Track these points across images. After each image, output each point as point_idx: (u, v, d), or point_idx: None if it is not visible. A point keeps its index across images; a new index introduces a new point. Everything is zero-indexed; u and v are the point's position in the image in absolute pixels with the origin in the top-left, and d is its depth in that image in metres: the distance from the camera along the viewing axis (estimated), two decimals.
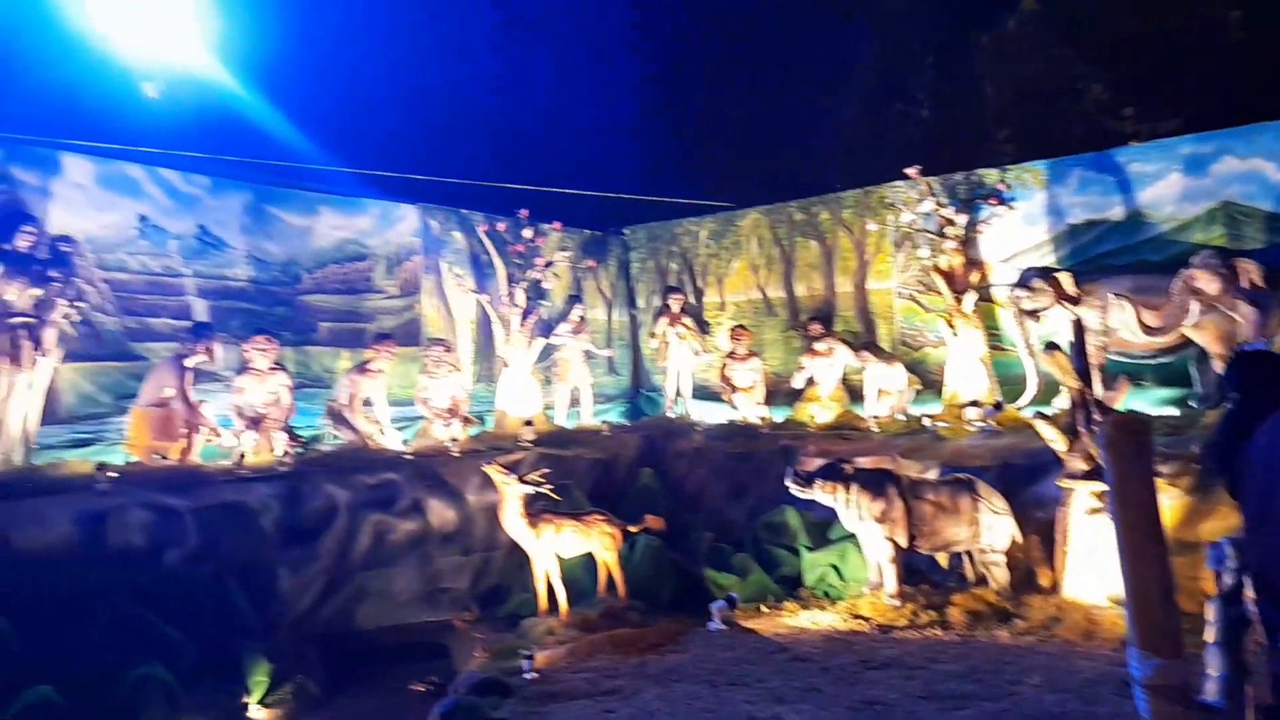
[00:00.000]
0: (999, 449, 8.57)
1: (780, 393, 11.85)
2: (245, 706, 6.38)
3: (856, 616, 7.53)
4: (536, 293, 11.65)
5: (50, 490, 7.10)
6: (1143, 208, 9.87)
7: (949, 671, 6.12)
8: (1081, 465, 7.12)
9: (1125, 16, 12.00)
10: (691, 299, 13.36)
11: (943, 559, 8.03)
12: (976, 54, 13.69)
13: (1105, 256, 10.04)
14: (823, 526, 8.74)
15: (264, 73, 11.64)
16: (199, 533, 7.19)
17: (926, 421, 9.71)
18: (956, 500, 7.64)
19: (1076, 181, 10.32)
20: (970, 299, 10.35)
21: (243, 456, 8.43)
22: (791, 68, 15.06)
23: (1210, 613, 4.48)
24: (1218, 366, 8.63)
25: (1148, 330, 8.99)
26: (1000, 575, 7.55)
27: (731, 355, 11.83)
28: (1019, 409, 9.48)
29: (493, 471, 7.80)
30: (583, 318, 12.33)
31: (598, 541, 7.90)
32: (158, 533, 7.02)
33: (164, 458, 8.21)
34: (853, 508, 7.69)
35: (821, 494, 7.79)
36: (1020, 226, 10.63)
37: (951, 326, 10.38)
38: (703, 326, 13.07)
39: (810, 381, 11.40)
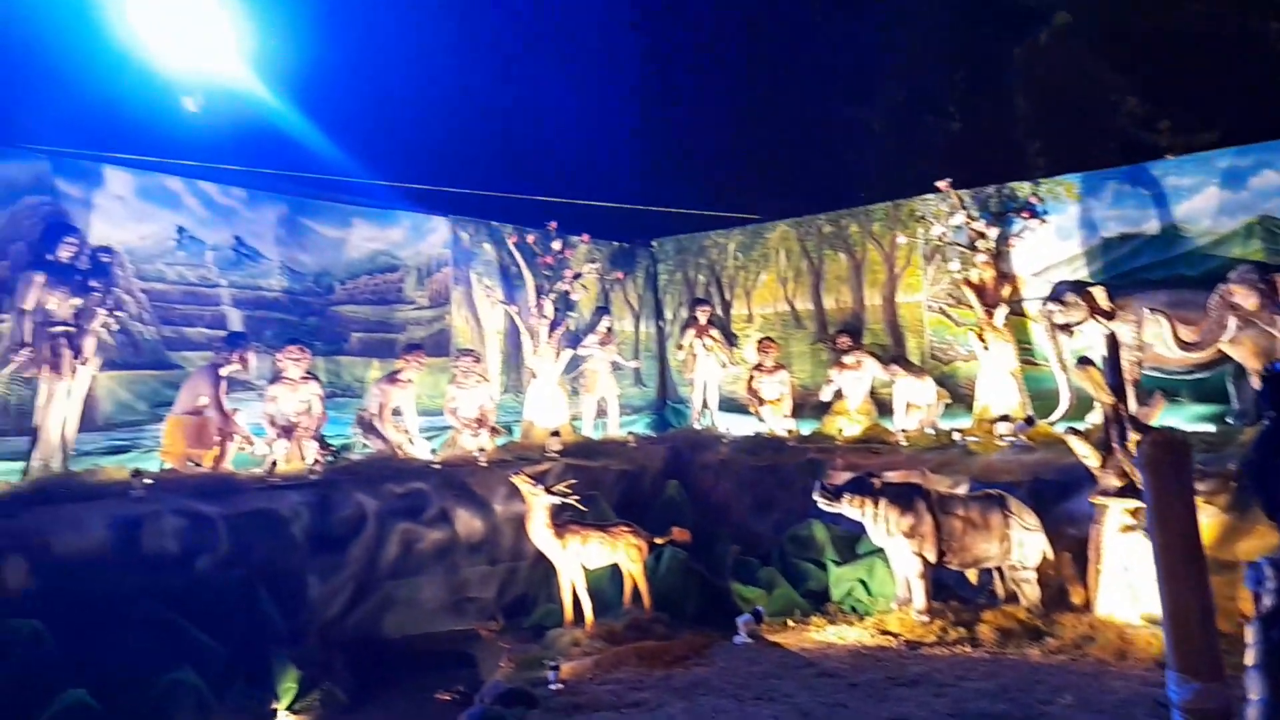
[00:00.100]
0: (1030, 464, 8.46)
1: (808, 406, 11.81)
2: (274, 712, 6.44)
3: (884, 632, 7.47)
4: (565, 304, 11.71)
5: (87, 496, 7.22)
6: (1179, 221, 9.74)
7: (979, 689, 6.04)
8: (1115, 482, 7.01)
9: (1160, 28, 11.87)
10: (719, 311, 13.36)
11: (972, 575, 7.93)
12: (1009, 66, 13.61)
13: (1140, 271, 9.91)
14: (850, 541, 8.67)
15: (299, 87, 11.87)
16: (231, 539, 7.28)
17: (956, 436, 9.62)
18: (987, 516, 7.56)
19: (1111, 195, 10.21)
20: (1001, 313, 10.25)
21: (274, 464, 8.53)
22: (821, 79, 15.05)
23: (1250, 635, 4.37)
24: (1255, 383, 8.47)
25: (1183, 345, 8.85)
26: (1031, 592, 7.44)
27: (759, 368, 11.80)
28: (1051, 424, 9.36)
29: (520, 482, 7.83)
30: (610, 329, 12.36)
31: (624, 553, 7.90)
32: (190, 539, 7.12)
33: (198, 465, 8.32)
34: (881, 522, 7.62)
35: (849, 508, 7.73)
36: (1053, 240, 10.52)
37: (982, 340, 10.29)
38: (730, 339, 13.05)
39: (838, 395, 11.34)
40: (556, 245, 11.60)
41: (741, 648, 7.42)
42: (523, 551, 8.66)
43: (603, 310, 12.73)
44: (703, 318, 12.41)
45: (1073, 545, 7.52)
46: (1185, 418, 9.10)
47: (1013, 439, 9.13)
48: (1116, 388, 7.05)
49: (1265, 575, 4.34)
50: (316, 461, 8.83)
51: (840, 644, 7.39)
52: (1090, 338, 9.30)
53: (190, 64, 10.34)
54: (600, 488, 9.62)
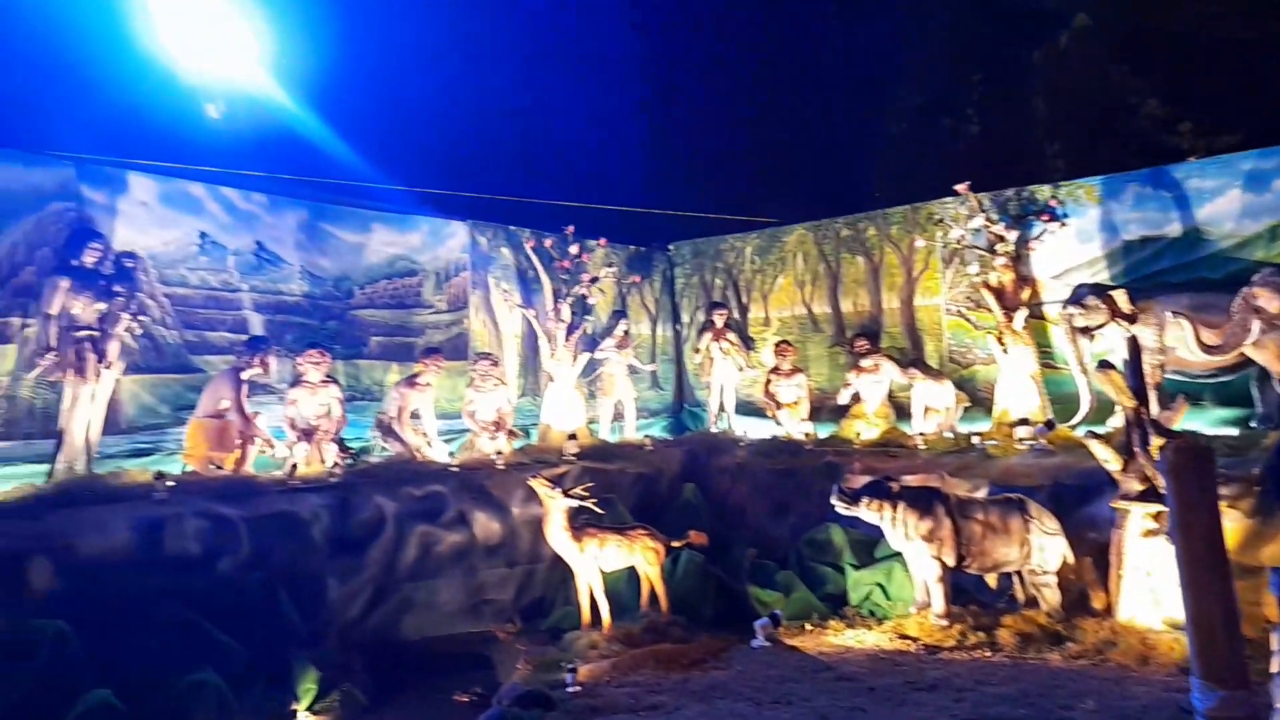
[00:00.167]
0: (1050, 468, 8.41)
1: (825, 409, 11.78)
2: (294, 713, 6.47)
3: (903, 636, 7.44)
4: (582, 308, 11.74)
5: (111, 498, 7.31)
6: (1201, 224, 9.65)
7: (998, 694, 6.00)
8: (1137, 486, 6.95)
9: (1181, 30, 11.78)
10: (736, 314, 13.35)
11: (992, 579, 7.88)
12: (1028, 69, 13.54)
13: (1162, 274, 9.83)
14: (868, 544, 8.64)
15: (320, 94, 12.00)
16: (251, 541, 7.34)
17: (975, 440, 9.57)
18: (1006, 520, 7.51)
19: (1132, 197, 10.13)
20: (1021, 316, 10.19)
21: (295, 467, 8.59)
22: (839, 83, 15.04)
23: (1275, 642, 4.34)
24: (1278, 386, 8.39)
25: (1206, 349, 8.76)
26: (1052, 597, 7.39)
27: (776, 371, 11.79)
28: (1072, 428, 9.29)
29: (537, 485, 7.86)
30: (627, 333, 12.39)
31: (641, 556, 7.91)
32: (212, 541, 7.18)
33: (219, 468, 8.40)
34: (899, 526, 7.59)
35: (867, 512, 7.71)
36: (1073, 243, 10.45)
37: (1002, 344, 10.23)
38: (747, 342, 13.04)
39: (856, 398, 11.31)
40: (574, 249, 11.63)
41: (759, 651, 7.41)
42: (540, 554, 8.69)
43: (620, 314, 12.77)
44: (719, 321, 12.42)
45: (1094, 550, 7.46)
46: (1208, 421, 9.00)
47: (1032, 443, 9.07)
48: (1138, 391, 7.00)
49: None
50: (336, 464, 8.90)
51: (858, 648, 7.36)
52: (1111, 341, 9.23)
53: (212, 71, 10.47)
54: (617, 491, 9.64)
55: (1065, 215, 10.41)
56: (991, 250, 10.49)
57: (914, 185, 12.25)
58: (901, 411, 11.05)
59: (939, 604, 7.48)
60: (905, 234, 11.93)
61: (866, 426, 10.98)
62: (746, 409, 12.52)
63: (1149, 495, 6.82)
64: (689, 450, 11.24)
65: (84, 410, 7.91)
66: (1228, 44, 11.39)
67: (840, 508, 7.80)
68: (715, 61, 16.34)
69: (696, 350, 12.69)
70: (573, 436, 10.62)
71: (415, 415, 10.02)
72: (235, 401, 8.64)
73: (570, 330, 11.40)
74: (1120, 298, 9.17)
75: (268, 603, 7.09)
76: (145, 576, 6.66)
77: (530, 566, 8.88)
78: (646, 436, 11.69)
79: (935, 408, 10.59)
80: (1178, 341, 8.92)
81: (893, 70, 14.68)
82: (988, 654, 6.94)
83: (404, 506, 8.41)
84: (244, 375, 8.78)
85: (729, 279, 13.79)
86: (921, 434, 10.16)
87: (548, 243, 11.74)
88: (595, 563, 7.81)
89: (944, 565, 7.48)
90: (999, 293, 10.35)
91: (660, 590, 7.97)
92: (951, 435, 10.11)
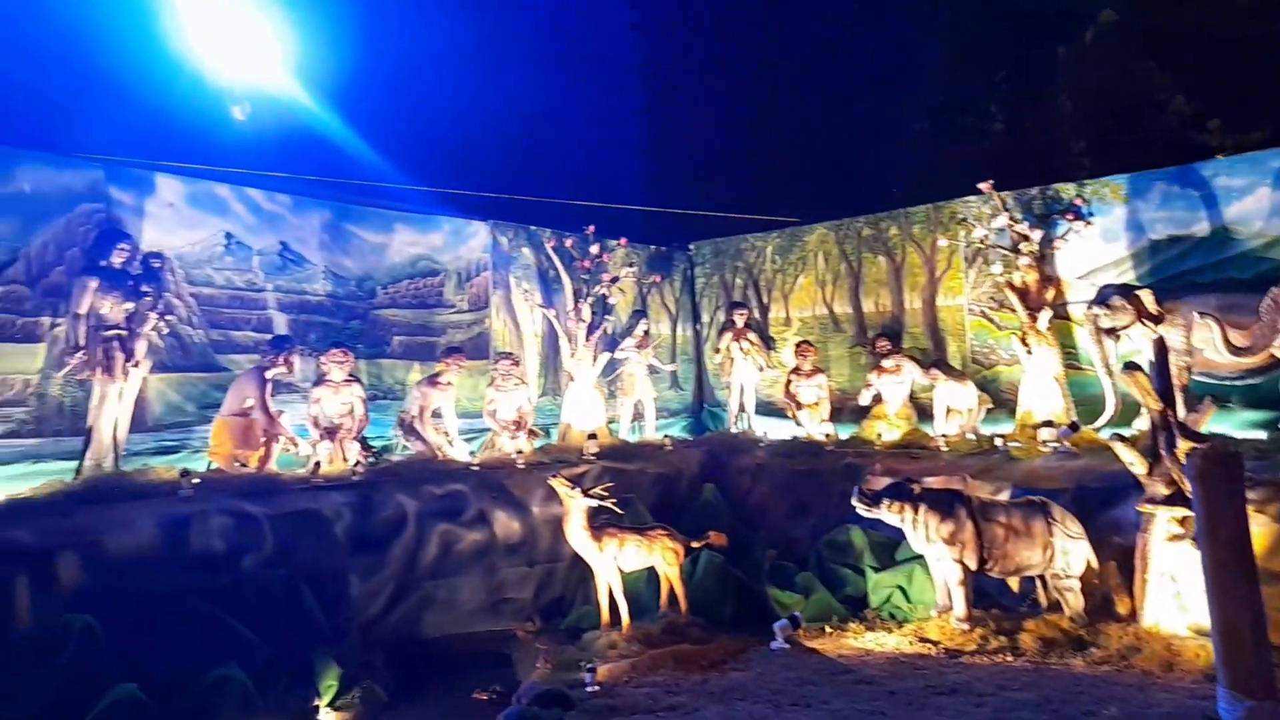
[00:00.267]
0: (1074, 471, 8.32)
1: (846, 410, 11.73)
2: (316, 709, 6.54)
3: (923, 640, 7.39)
4: (602, 308, 11.77)
5: (137, 495, 7.43)
6: (1229, 223, 9.51)
7: (1020, 699, 5.95)
8: (1163, 490, 6.86)
9: (1208, 25, 11.60)
10: (756, 314, 13.32)
11: (1014, 583, 7.82)
12: (1053, 66, 13.39)
13: (1189, 274, 9.69)
14: (889, 547, 8.59)
15: (343, 96, 12.11)
16: (275, 539, 7.43)
17: (998, 441, 9.49)
18: (1029, 523, 7.44)
19: (1159, 196, 10.00)
20: (1045, 316, 10.09)
21: (318, 465, 8.68)
22: (861, 80, 14.95)
23: None
24: None
25: (1234, 350, 8.64)
26: (1075, 601, 7.31)
27: (796, 371, 11.75)
28: (1096, 430, 9.18)
29: (557, 484, 7.89)
30: (647, 332, 12.40)
31: (660, 556, 7.91)
32: (236, 538, 7.28)
33: (244, 465, 8.50)
34: (920, 528, 7.54)
35: (888, 514, 7.66)
36: (1098, 242, 10.33)
37: (1025, 344, 10.13)
38: (767, 342, 13.01)
39: (877, 399, 11.25)
40: (594, 249, 11.65)
41: (778, 653, 7.39)
42: (560, 553, 8.71)
43: (640, 314, 12.78)
44: (740, 321, 12.40)
45: (1118, 554, 7.38)
46: (1236, 424, 8.87)
47: (1056, 445, 8.98)
48: (1164, 393, 6.91)
49: None
50: (358, 463, 8.98)
51: (878, 651, 7.33)
52: (1137, 342, 9.12)
53: (238, 75, 10.58)
54: (637, 491, 9.64)
55: (1091, 214, 10.29)
56: (1015, 250, 10.39)
57: (937, 184, 12.15)
58: (923, 413, 10.98)
59: (960, 607, 7.42)
60: (928, 233, 11.84)
61: (888, 428, 10.92)
62: (767, 409, 12.49)
63: (1175, 499, 6.73)
64: (709, 450, 11.23)
65: (112, 408, 8.04)
66: (1257, 39, 11.19)
67: (861, 509, 7.76)
68: (737, 61, 16.30)
69: (717, 350, 12.68)
70: (593, 436, 10.64)
71: (437, 414, 10.09)
72: (260, 400, 8.73)
73: (591, 330, 11.43)
74: (1147, 298, 9.06)
75: (291, 599, 7.17)
76: (171, 573, 6.76)
77: (550, 566, 8.91)
78: (666, 436, 11.69)
79: (957, 409, 10.52)
80: (1205, 343, 8.81)
81: (916, 68, 14.57)
82: (1009, 658, 6.88)
83: (425, 505, 8.47)
84: (268, 374, 8.88)
85: (749, 278, 13.75)
86: (943, 435, 10.09)
87: (568, 242, 11.77)
88: (614, 562, 7.83)
89: (965, 568, 7.42)
90: (1023, 293, 10.26)
91: (679, 591, 7.97)
92: (974, 437, 10.03)
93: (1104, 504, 7.76)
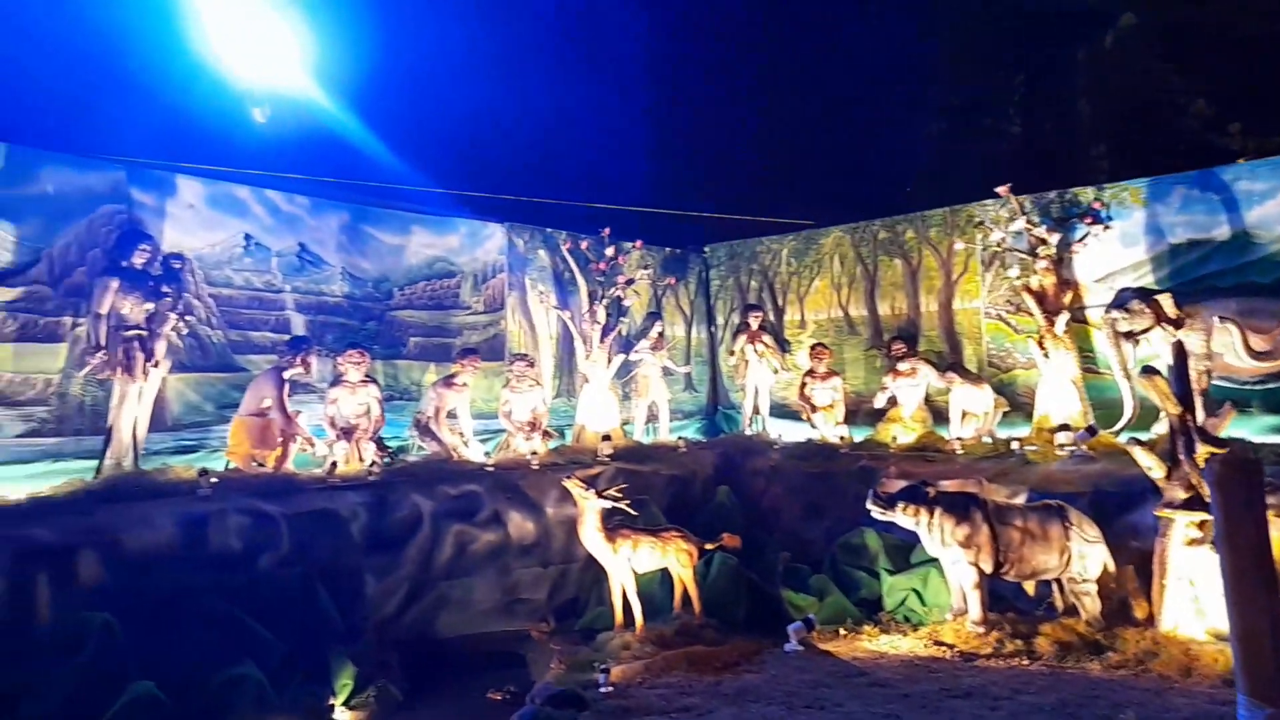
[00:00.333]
0: (1091, 475, 8.27)
1: (861, 412, 11.70)
2: (331, 708, 6.58)
3: (938, 643, 7.36)
4: (617, 309, 11.79)
5: (156, 494, 7.50)
6: (1250, 227, 9.44)
7: (1035, 703, 5.92)
8: (1181, 494, 6.81)
9: (1229, 28, 11.50)
10: (771, 317, 13.30)
11: (1030, 587, 7.77)
12: (1072, 69, 13.32)
13: (1209, 278, 9.62)
14: (904, 550, 8.55)
15: (362, 99, 12.19)
16: (292, 538, 7.47)
17: (1015, 445, 9.44)
18: (1046, 527, 7.40)
19: (1179, 200, 9.93)
20: (1063, 320, 10.03)
21: (334, 465, 8.73)
22: (878, 83, 14.91)
23: None
24: None
25: (1254, 354, 8.56)
26: (1091, 606, 7.26)
27: (811, 373, 11.73)
28: (1114, 434, 9.12)
29: (572, 486, 7.90)
30: (662, 334, 12.41)
31: (674, 558, 7.91)
32: (253, 537, 7.33)
33: (261, 465, 8.57)
34: (935, 532, 7.51)
35: (903, 517, 7.63)
36: (1117, 246, 10.27)
37: (1042, 348, 10.08)
38: (782, 344, 12.99)
39: (892, 402, 11.22)
40: (610, 251, 11.68)
41: (792, 655, 7.38)
42: (574, 554, 8.73)
43: (655, 315, 12.80)
44: (755, 323, 12.39)
45: (1136, 558, 7.33)
46: (1256, 429, 8.79)
47: (1073, 449, 8.92)
48: (1183, 397, 6.85)
49: None
50: (374, 463, 9.03)
51: (893, 654, 7.30)
52: (1156, 346, 9.06)
53: (258, 78, 10.68)
54: (651, 492, 9.65)
55: (1109, 218, 10.23)
56: (1033, 253, 10.33)
57: (954, 187, 12.11)
58: (939, 416, 10.94)
59: (975, 611, 7.39)
60: (944, 236, 11.80)
61: (903, 430, 10.89)
62: (781, 411, 12.47)
63: (1193, 504, 6.68)
64: (723, 452, 11.22)
65: (131, 407, 8.12)
66: (1277, 41, 11.09)
67: (876, 512, 7.73)
68: (753, 64, 16.29)
69: (731, 352, 12.69)
70: (607, 438, 10.66)
71: (452, 415, 10.13)
72: (277, 400, 8.80)
73: (605, 332, 11.45)
74: (1166, 302, 8.99)
75: (307, 599, 7.22)
76: (189, 571, 6.82)
77: (564, 566, 8.93)
78: (680, 438, 11.69)
79: (973, 412, 10.47)
80: (1225, 347, 8.74)
81: (933, 70, 14.52)
82: (1025, 662, 6.84)
83: (440, 505, 8.51)
84: (286, 374, 8.94)
85: (764, 281, 13.74)
86: (959, 439, 10.05)
87: (584, 245, 11.81)
88: (628, 564, 7.84)
89: (981, 572, 7.39)
90: (1040, 296, 10.20)
91: (693, 592, 7.97)
92: (990, 440, 9.99)
93: (1121, 508, 7.71)
